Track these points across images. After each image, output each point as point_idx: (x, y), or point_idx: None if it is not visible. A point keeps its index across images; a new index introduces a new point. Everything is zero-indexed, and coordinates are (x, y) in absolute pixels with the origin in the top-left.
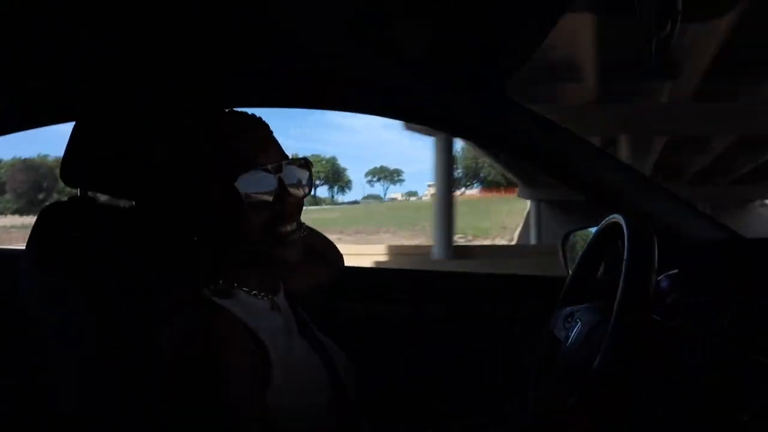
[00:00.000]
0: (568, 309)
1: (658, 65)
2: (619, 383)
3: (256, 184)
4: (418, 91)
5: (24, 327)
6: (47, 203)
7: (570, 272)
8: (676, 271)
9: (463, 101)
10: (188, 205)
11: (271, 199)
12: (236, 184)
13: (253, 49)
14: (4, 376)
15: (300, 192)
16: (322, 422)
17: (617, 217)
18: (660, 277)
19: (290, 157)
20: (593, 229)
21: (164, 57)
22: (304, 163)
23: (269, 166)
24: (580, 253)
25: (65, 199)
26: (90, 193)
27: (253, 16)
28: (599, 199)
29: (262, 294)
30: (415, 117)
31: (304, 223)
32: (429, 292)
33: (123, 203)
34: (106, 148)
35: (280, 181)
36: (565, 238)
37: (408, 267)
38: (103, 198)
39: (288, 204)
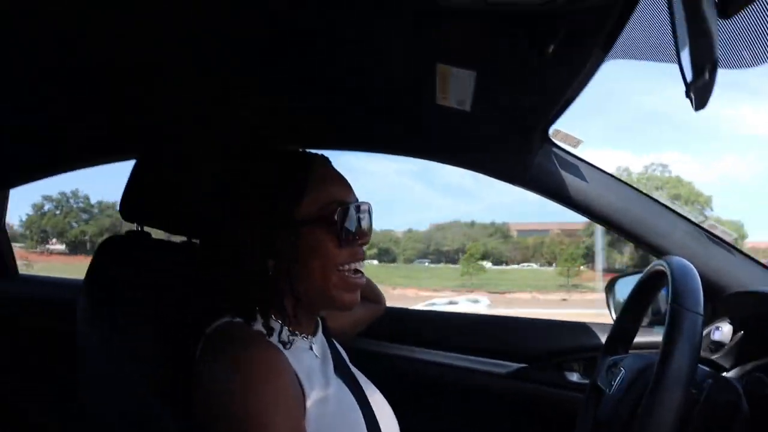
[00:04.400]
0: (612, 358)
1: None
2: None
3: (348, 221)
4: (467, 137)
5: (77, 358)
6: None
7: (615, 319)
8: (728, 320)
9: (508, 146)
10: (242, 245)
11: (355, 236)
12: (335, 218)
13: (321, 89)
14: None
15: (369, 234)
16: None
17: (662, 264)
18: (710, 327)
19: None
20: (639, 276)
21: (229, 95)
22: (369, 206)
23: (354, 205)
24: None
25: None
26: (146, 229)
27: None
28: (649, 248)
29: (303, 335)
30: (463, 162)
31: None
32: (472, 336)
33: (176, 239)
34: (165, 185)
35: (359, 221)
36: (611, 284)
37: None
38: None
39: (363, 244)
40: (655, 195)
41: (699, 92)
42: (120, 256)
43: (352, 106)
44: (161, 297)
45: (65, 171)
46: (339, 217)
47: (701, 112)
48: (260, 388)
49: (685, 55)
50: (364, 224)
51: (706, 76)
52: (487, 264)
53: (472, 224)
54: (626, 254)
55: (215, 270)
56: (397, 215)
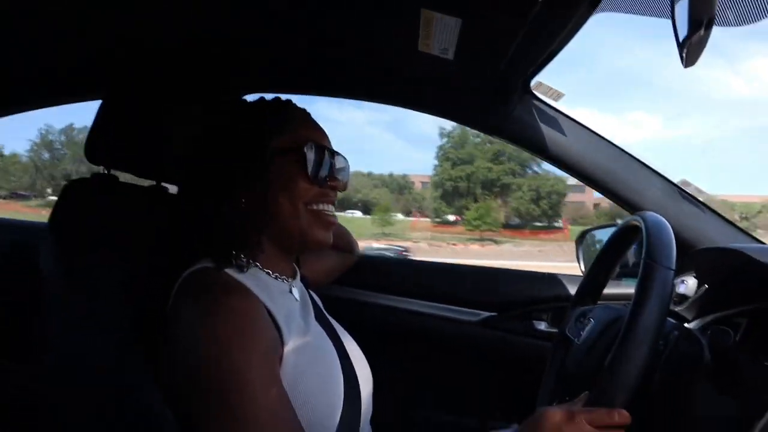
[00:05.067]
0: (581, 309)
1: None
2: (629, 382)
3: (319, 160)
4: (447, 85)
5: (42, 303)
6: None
7: (585, 271)
8: (693, 274)
9: (489, 97)
10: (212, 184)
11: (326, 177)
12: (305, 150)
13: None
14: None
15: (343, 181)
16: (331, 405)
17: (637, 219)
18: (677, 280)
19: None
20: (611, 229)
21: (194, 40)
22: (346, 161)
23: (328, 149)
24: (596, 253)
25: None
26: (113, 171)
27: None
28: (624, 203)
29: (283, 277)
30: (442, 111)
31: None
32: (444, 285)
33: (144, 182)
34: (132, 128)
35: (332, 165)
36: (582, 236)
37: None
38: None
39: (334, 188)
40: None
41: (692, 48)
42: (85, 199)
43: (331, 50)
44: (130, 243)
45: (28, 110)
46: (311, 153)
47: None
48: (233, 335)
49: (682, 10)
50: (339, 174)
51: (702, 31)
52: (357, 213)
53: (369, 174)
54: (454, 206)
55: (189, 210)
56: (363, 166)
